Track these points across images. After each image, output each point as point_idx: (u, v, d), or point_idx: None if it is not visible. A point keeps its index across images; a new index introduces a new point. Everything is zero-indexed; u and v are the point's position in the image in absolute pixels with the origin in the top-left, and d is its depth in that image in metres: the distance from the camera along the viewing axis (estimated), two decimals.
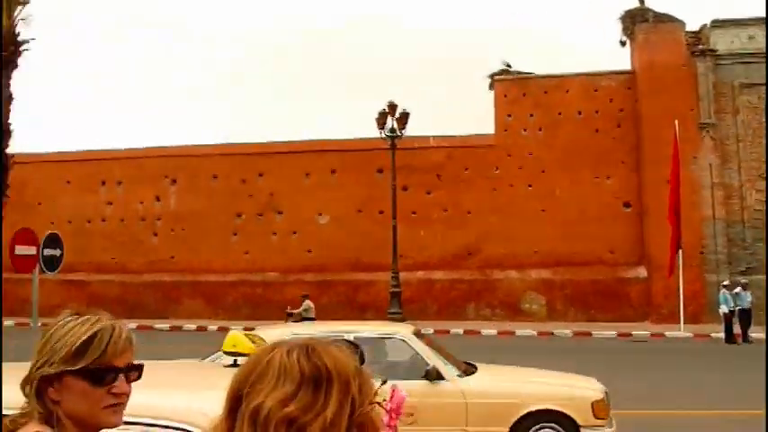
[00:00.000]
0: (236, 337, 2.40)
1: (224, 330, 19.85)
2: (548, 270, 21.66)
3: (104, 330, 1.25)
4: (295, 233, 23.23)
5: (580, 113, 22.24)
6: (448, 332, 18.72)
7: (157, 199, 24.17)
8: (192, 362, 2.58)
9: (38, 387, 1.23)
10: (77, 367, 1.22)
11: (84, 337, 1.23)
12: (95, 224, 24.23)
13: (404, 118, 20.21)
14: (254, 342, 2.45)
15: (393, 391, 0.82)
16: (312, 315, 16.20)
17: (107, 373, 1.24)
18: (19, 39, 11.75)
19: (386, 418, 0.84)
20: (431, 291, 21.95)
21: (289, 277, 22.68)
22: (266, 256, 22.95)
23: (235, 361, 2.44)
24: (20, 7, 11.97)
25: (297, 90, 53.00)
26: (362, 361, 0.89)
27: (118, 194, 24.38)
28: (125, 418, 1.66)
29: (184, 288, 23.07)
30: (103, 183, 24.46)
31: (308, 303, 16.53)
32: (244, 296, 22.69)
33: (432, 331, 18.86)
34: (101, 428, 1.29)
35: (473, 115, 41.38)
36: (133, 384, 1.32)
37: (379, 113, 20.22)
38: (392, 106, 20.19)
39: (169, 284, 23.10)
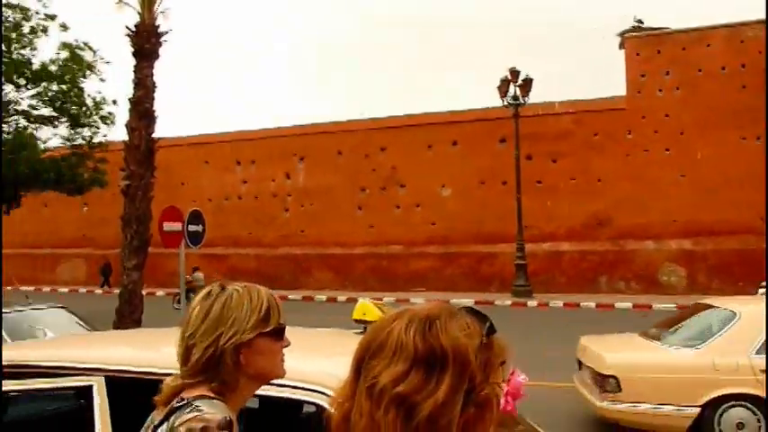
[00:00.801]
0: (366, 305, 2.45)
1: (352, 301, 20.55)
2: (688, 240, 20.21)
3: (271, 295, 1.40)
4: (418, 206, 23.38)
5: (724, 69, 20.32)
6: (578, 305, 18.11)
7: (287, 176, 25.28)
8: (325, 329, 2.68)
9: (214, 357, 1.32)
10: (269, 329, 1.36)
11: (266, 303, 1.36)
12: (232, 201, 25.84)
13: (527, 84, 19.53)
14: (382, 311, 2.49)
15: (512, 373, 0.79)
16: (202, 283, 18.71)
17: (284, 330, 1.40)
18: (159, 31, 12.63)
19: (502, 401, 0.82)
20: (558, 263, 21.27)
21: (413, 249, 22.94)
22: (390, 229, 23.34)
23: (364, 328, 2.49)
24: (159, 1, 12.84)
25: (415, 63, 52.86)
26: (492, 332, 0.85)
27: (251, 173, 25.79)
28: None
29: (314, 260, 24.07)
30: (238, 162, 25.96)
31: (197, 275, 18.78)
32: (370, 268, 23.28)
33: (561, 304, 18.38)
34: (275, 379, 1.44)
35: (602, 78, 39.19)
36: None
37: (501, 81, 19.68)
38: (514, 73, 19.57)
39: (300, 257, 24.21)
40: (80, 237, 27.79)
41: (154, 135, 12.31)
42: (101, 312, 13.75)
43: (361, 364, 0.88)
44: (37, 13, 17.21)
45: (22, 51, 17.26)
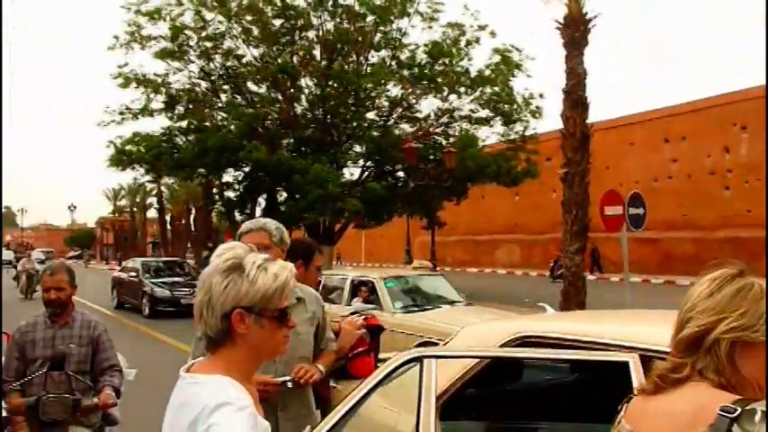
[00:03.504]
0: None
1: None
2: None
3: None
4: None
5: None
6: None
7: (726, 150, 22.64)
8: None
9: (705, 340, 1.20)
10: None
11: None
12: (662, 182, 24.42)
13: None
14: None
15: None
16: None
17: None
18: (587, 18, 12.70)
19: None
20: None
21: None
22: None
23: None
24: None
25: None
26: None
27: (682, 150, 23.96)
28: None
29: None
30: (666, 140, 24.40)
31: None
32: None
33: None
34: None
35: None
36: None
37: None
38: None
39: (747, 240, 21.33)
40: (512, 224, 30.18)
41: (587, 122, 12.48)
42: (541, 295, 14.66)
43: None
44: (471, 26, 19.26)
45: (461, 63, 19.53)
